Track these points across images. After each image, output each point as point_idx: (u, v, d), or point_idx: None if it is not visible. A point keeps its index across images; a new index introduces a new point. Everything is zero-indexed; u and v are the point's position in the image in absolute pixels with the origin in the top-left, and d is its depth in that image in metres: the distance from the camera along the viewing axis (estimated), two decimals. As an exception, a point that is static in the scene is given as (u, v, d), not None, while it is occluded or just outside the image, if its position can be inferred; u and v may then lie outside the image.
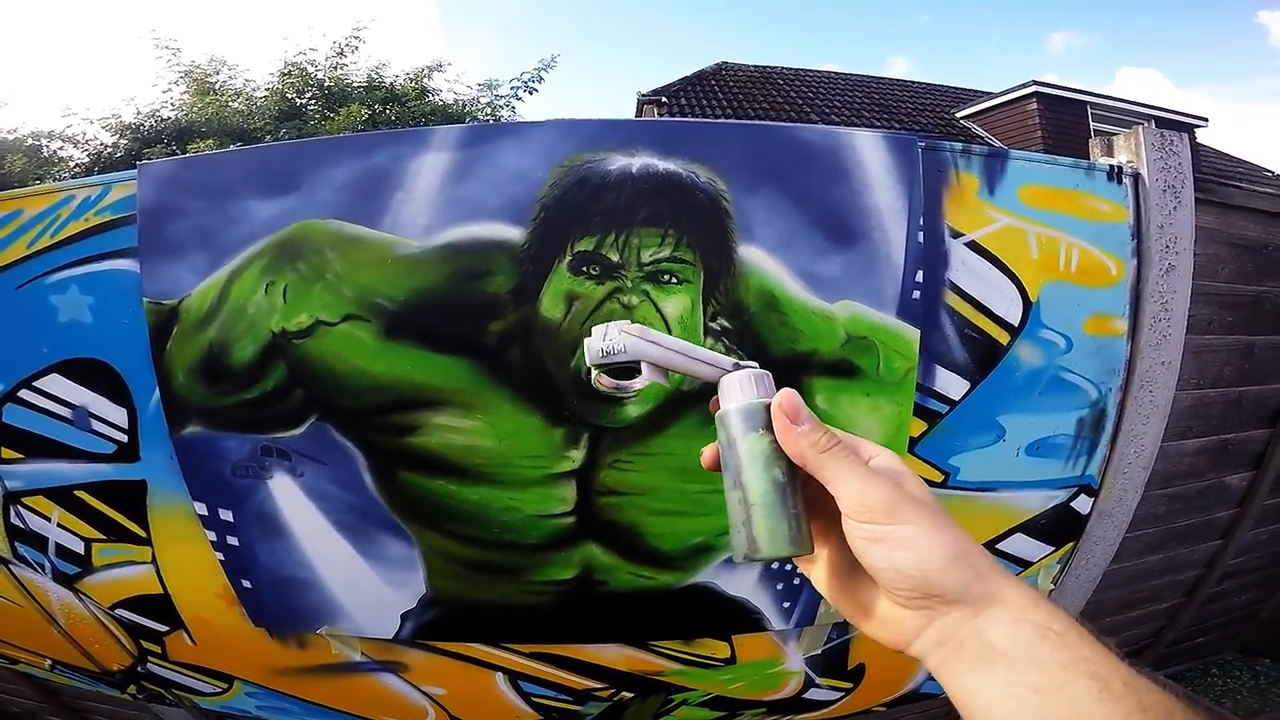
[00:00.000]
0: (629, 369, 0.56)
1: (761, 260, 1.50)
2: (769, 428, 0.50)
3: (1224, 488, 2.12)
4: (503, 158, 1.47)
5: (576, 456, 1.59)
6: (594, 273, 1.49)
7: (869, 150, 1.49)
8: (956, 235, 1.55)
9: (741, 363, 0.53)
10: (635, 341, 0.55)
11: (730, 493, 0.50)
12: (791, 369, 1.55)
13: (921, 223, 1.51)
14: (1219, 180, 2.07)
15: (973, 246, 1.56)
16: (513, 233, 1.48)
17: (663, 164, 1.47)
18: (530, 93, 9.40)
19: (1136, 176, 1.58)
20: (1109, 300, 1.65)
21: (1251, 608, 2.74)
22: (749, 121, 2.02)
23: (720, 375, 0.53)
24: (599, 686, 1.98)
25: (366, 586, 1.75)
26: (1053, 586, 1.99)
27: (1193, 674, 2.86)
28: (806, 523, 0.49)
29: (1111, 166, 1.58)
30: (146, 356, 1.58)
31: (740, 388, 0.51)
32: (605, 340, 0.56)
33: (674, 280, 1.49)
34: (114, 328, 1.59)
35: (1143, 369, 1.69)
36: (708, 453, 0.54)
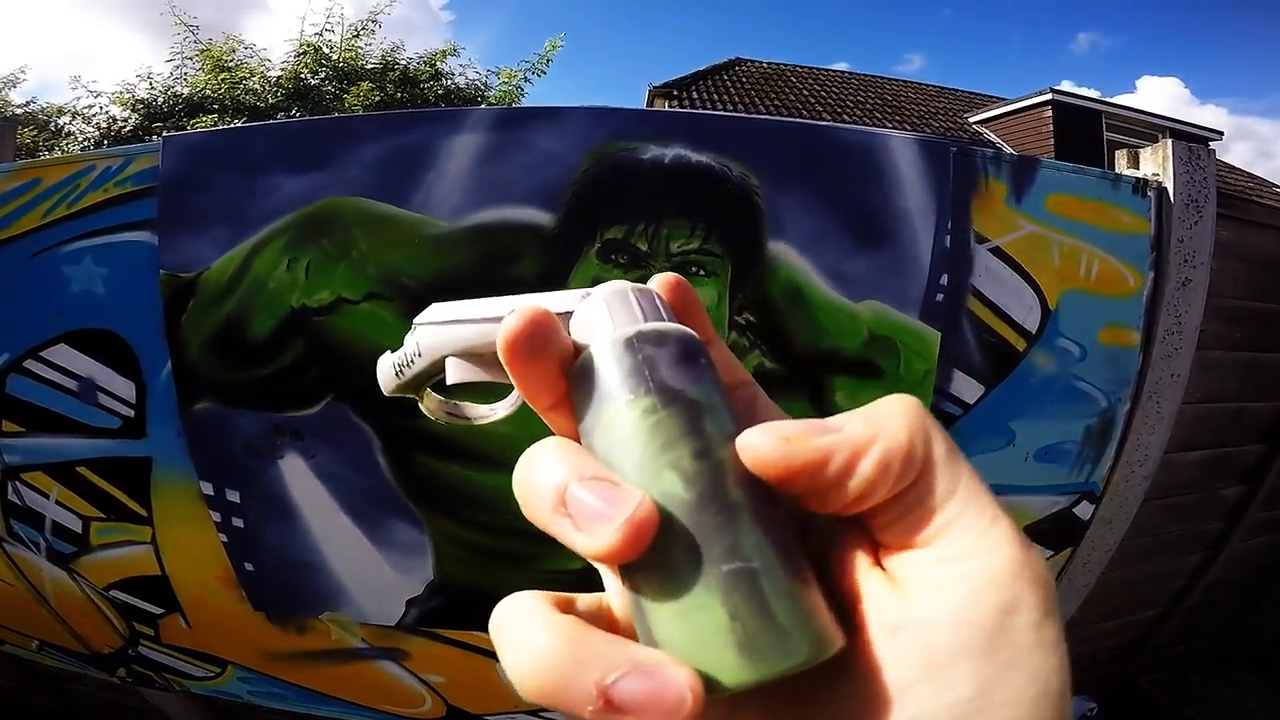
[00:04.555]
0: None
1: (790, 256, 1.50)
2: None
3: (1218, 500, 2.17)
4: (536, 142, 1.45)
5: None
6: (622, 261, 1.48)
7: (903, 153, 1.49)
8: (982, 240, 1.56)
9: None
10: (428, 332, 0.30)
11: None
12: (814, 366, 1.55)
13: (949, 226, 1.52)
14: (1240, 196, 2.11)
15: (997, 252, 1.57)
16: (543, 217, 1.46)
17: (696, 156, 1.47)
18: (539, 75, 9.19)
19: (1161, 190, 1.60)
20: (1124, 311, 1.68)
21: (1232, 619, 2.80)
22: (784, 118, 2.02)
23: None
24: (601, 678, 1.97)
25: (373, 572, 1.72)
26: (1050, 591, 2.01)
27: (1171, 682, 2.91)
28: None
29: (1138, 179, 1.60)
30: (159, 329, 1.54)
31: (606, 314, 0.25)
32: (396, 355, 0.32)
33: (701, 272, 1.49)
34: (127, 299, 1.55)
35: (1152, 380, 1.72)
36: None
